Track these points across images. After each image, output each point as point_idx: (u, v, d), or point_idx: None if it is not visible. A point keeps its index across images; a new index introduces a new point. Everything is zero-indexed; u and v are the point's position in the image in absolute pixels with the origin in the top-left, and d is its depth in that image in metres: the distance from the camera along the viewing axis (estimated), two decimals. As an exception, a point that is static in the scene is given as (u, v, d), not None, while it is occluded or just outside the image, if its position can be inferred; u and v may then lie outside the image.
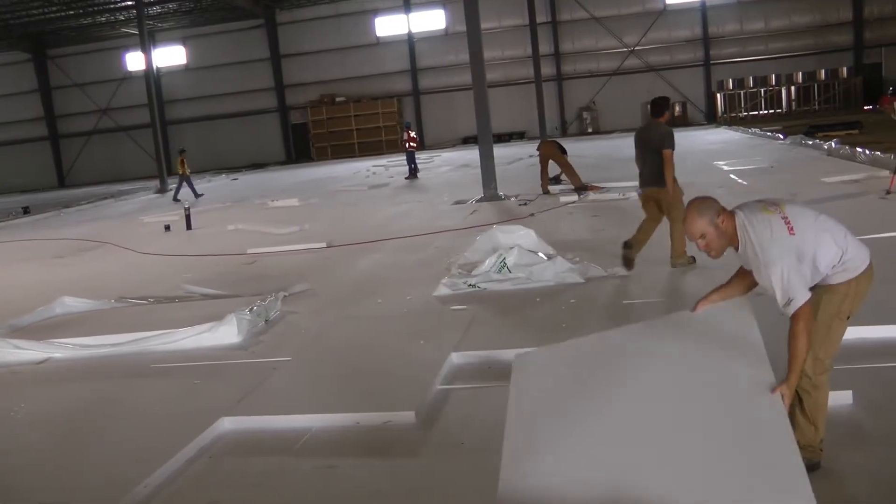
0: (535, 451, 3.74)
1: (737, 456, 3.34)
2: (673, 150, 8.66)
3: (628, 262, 8.62)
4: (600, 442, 3.69)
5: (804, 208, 3.90)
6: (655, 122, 8.99)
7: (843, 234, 3.82)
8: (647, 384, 3.74)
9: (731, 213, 3.82)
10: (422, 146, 38.93)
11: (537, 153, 18.52)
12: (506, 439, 3.72)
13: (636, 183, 9.36)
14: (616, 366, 3.90)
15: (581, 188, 16.84)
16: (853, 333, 5.13)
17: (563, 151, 17.70)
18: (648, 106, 9.98)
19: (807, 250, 3.71)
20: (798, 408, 3.87)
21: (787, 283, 3.61)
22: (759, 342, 3.66)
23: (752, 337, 3.71)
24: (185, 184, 27.44)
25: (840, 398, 4.64)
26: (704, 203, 3.86)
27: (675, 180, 8.70)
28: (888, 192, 12.22)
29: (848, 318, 3.85)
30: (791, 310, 3.62)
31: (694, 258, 8.72)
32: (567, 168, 17.48)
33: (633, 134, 9.44)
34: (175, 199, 26.86)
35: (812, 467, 3.88)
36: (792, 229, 3.70)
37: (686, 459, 3.42)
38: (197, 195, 27.25)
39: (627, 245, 8.70)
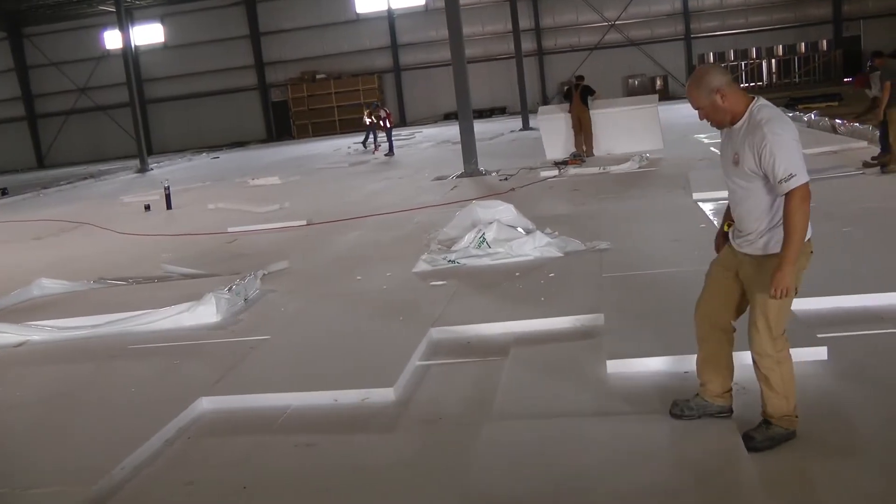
0: None
1: None
2: None
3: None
4: None
5: None
6: None
7: None
8: None
9: (743, 94, 3.82)
10: (402, 123, 38.80)
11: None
12: None
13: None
14: None
15: (579, 158, 17.11)
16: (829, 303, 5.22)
17: (591, 92, 18.01)
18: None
19: None
20: (766, 385, 3.90)
21: (796, 160, 3.62)
22: None
23: None
24: (372, 134, 29.74)
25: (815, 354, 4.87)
26: (706, 76, 3.84)
27: None
28: (869, 166, 12.23)
29: (796, 290, 3.76)
30: (792, 184, 3.60)
31: None
32: (586, 131, 17.83)
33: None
34: (376, 147, 29.15)
35: (788, 437, 3.91)
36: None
37: None
38: (365, 145, 29.93)
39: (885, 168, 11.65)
